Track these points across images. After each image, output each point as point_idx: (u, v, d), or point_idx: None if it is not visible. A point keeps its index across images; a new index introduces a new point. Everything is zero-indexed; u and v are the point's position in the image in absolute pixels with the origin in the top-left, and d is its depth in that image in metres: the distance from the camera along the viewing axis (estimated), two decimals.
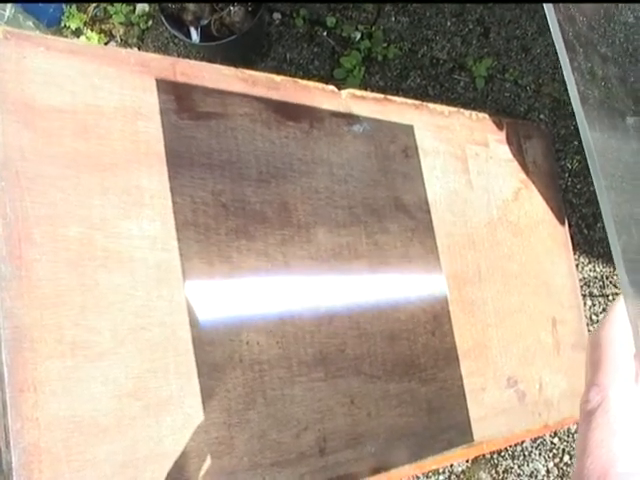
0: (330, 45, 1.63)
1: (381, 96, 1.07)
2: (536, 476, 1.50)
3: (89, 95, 0.76)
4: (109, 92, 0.77)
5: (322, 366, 0.87)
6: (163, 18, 1.48)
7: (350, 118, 1.02)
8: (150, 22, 1.67)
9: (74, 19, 1.62)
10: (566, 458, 1.49)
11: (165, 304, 0.75)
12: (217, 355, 0.78)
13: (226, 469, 0.75)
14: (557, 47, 0.45)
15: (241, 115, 0.88)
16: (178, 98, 0.83)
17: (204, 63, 0.87)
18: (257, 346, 0.81)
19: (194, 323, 0.77)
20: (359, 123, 1.03)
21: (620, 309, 0.40)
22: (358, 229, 0.97)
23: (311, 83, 0.98)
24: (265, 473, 0.78)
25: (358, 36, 1.62)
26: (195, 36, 1.50)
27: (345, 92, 1.02)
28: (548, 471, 1.49)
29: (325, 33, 1.64)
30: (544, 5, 0.46)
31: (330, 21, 1.62)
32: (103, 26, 1.66)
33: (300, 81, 0.97)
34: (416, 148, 1.09)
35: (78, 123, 0.74)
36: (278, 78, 0.94)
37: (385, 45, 1.61)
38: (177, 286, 0.77)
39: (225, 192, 0.84)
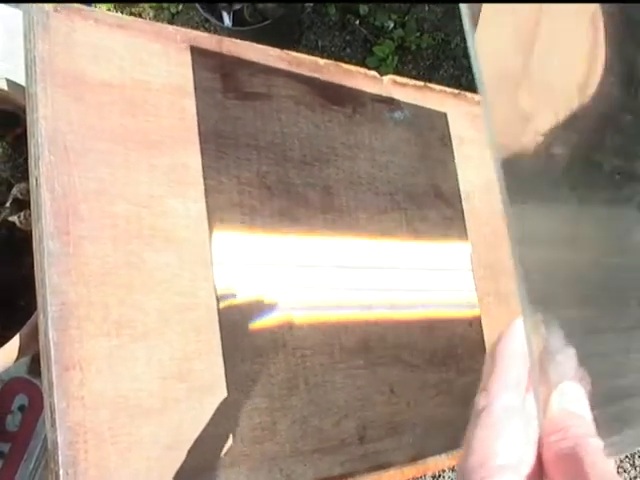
0: (362, 34, 1.62)
1: (421, 83, 1.06)
2: None
3: (137, 71, 0.75)
4: (156, 68, 0.76)
5: (363, 353, 0.85)
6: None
7: (391, 104, 1.00)
8: (180, 6, 1.65)
9: (105, 1, 1.61)
10: None
11: (210, 285, 0.74)
12: (261, 339, 0.77)
13: (268, 454, 0.74)
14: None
15: (285, 97, 0.87)
16: (224, 77, 0.82)
17: (249, 43, 0.86)
18: (300, 331, 0.80)
19: (239, 306, 0.76)
20: (400, 110, 1.01)
21: (520, 324, 0.42)
22: (398, 216, 0.95)
23: (353, 67, 0.97)
24: (306, 460, 0.77)
25: (391, 25, 1.60)
26: (227, 20, 1.49)
27: (386, 78, 1.01)
28: None
29: (357, 21, 1.62)
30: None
31: (363, 9, 1.60)
32: (133, 9, 1.65)
33: (343, 65, 0.96)
34: (454, 136, 1.07)
35: (126, 99, 0.73)
36: (322, 61, 0.93)
37: (418, 34, 1.59)
38: (222, 267, 0.75)
39: (270, 174, 0.82)
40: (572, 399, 0.41)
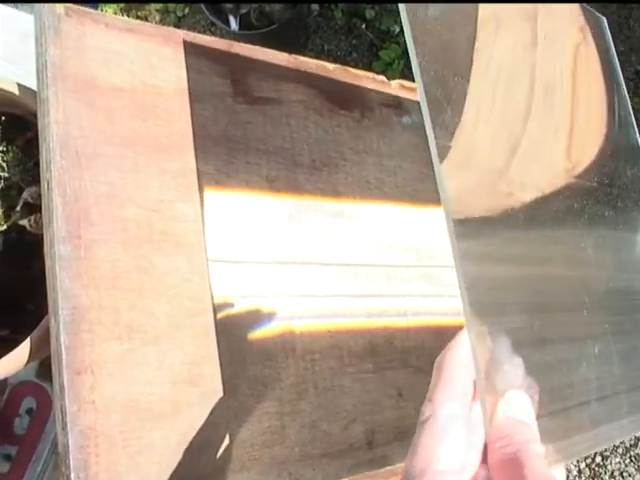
0: (368, 38, 1.62)
1: None
2: (567, 476, 1.48)
3: (147, 75, 0.75)
4: (166, 72, 0.76)
5: (371, 357, 0.85)
6: (202, 5, 1.47)
7: (399, 109, 1.00)
8: (187, 10, 1.66)
9: (111, 5, 1.62)
10: (598, 459, 1.47)
11: (220, 290, 0.74)
12: (271, 343, 0.77)
13: (277, 459, 0.74)
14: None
15: (294, 102, 0.87)
16: (234, 82, 0.82)
17: (259, 47, 0.86)
18: (309, 335, 0.80)
19: (248, 310, 0.76)
20: (408, 114, 1.01)
21: (465, 336, 0.44)
22: (407, 221, 0.95)
23: (361, 72, 0.97)
24: (315, 464, 0.77)
25: (397, 29, 1.60)
26: (234, 24, 1.49)
27: (394, 82, 1.01)
28: (580, 471, 1.47)
29: (364, 26, 1.63)
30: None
31: (369, 13, 1.61)
32: (139, 12, 1.65)
33: (351, 69, 0.96)
34: None
35: (136, 103, 0.73)
36: (330, 66, 0.93)
37: None
38: (232, 272, 0.76)
39: (279, 178, 0.82)
40: (518, 407, 0.43)
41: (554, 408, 0.47)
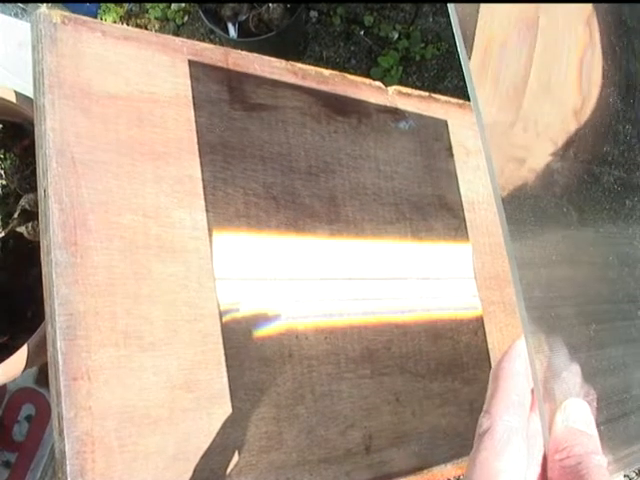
0: (367, 44, 1.62)
1: (426, 94, 1.06)
2: None
3: (143, 82, 0.75)
4: (163, 80, 0.77)
5: (369, 363, 0.85)
6: (201, 13, 1.47)
7: (396, 114, 1.01)
8: (186, 18, 1.66)
9: (110, 13, 1.62)
10: None
11: (218, 296, 0.74)
12: (267, 349, 0.77)
13: (275, 464, 0.74)
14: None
15: (291, 108, 0.88)
16: (230, 89, 0.82)
17: (255, 54, 0.86)
18: (306, 341, 0.80)
19: (245, 317, 0.76)
20: (405, 120, 1.01)
21: (522, 344, 0.43)
22: (404, 227, 0.95)
23: (358, 78, 0.97)
24: (312, 470, 0.77)
25: (396, 36, 1.61)
26: (233, 32, 1.50)
27: (391, 88, 1.01)
28: None
29: (362, 32, 1.63)
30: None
31: (367, 20, 1.61)
32: (139, 21, 1.66)
33: (348, 76, 0.96)
34: (459, 146, 1.07)
35: (133, 110, 0.73)
36: (327, 72, 0.94)
37: (423, 45, 1.60)
38: (229, 278, 0.76)
39: (276, 185, 0.83)
40: (577, 416, 0.41)
41: (612, 415, 0.45)
